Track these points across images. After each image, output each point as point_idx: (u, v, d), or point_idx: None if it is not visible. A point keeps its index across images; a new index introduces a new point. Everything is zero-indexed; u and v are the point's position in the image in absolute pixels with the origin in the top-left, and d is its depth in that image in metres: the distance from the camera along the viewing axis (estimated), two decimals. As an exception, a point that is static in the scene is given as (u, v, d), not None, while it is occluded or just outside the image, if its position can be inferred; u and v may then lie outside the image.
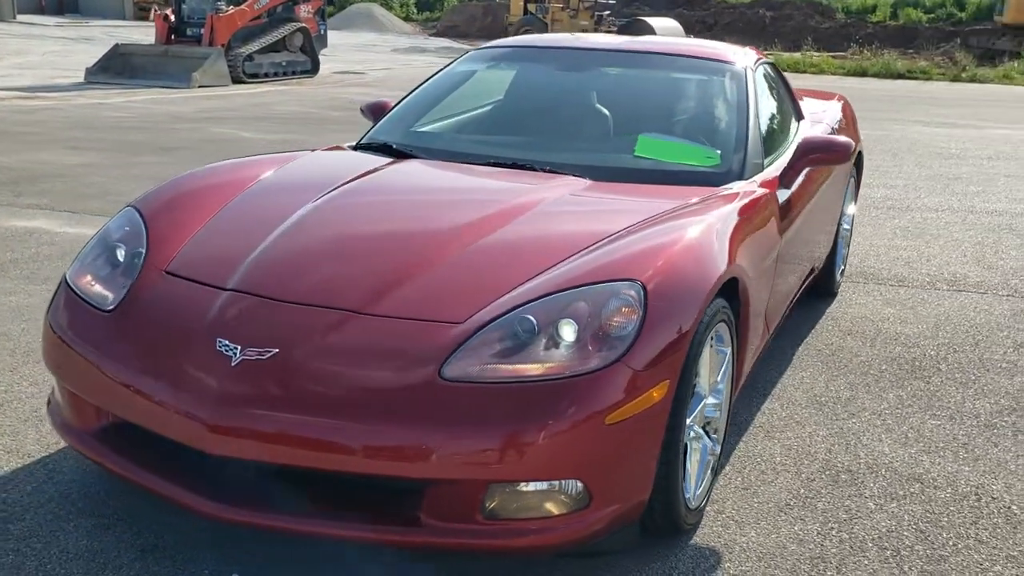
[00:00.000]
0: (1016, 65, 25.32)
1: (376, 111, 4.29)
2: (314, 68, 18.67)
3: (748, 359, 3.19)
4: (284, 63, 17.87)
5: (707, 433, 2.83)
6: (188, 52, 16.27)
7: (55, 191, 7.17)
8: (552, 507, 2.27)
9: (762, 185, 3.43)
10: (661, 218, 2.87)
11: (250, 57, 16.85)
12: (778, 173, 3.62)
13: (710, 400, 2.78)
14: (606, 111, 3.82)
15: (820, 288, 4.90)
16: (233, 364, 2.33)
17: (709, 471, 2.85)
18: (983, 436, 3.52)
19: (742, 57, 4.08)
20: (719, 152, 3.55)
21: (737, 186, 3.33)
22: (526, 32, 27.31)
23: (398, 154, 3.62)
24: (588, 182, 3.25)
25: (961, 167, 9.86)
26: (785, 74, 4.80)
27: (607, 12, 28.37)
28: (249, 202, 3.10)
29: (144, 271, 2.71)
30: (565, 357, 2.29)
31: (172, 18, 17.12)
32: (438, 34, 39.11)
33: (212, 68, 15.81)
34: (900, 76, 24.18)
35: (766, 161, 3.65)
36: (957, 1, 38.88)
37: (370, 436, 2.22)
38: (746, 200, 3.18)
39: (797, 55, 27.51)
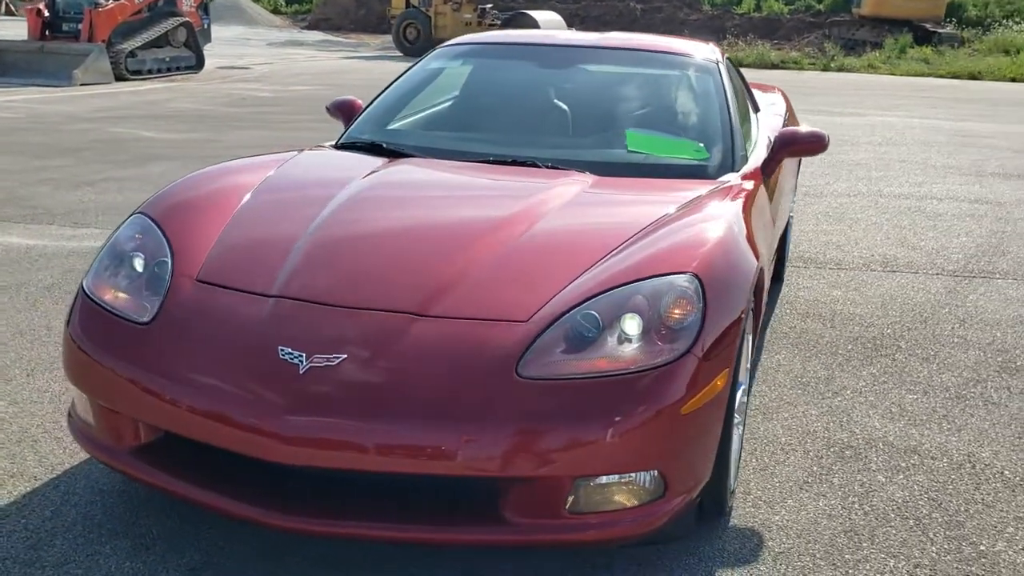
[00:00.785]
0: (878, 55, 26.68)
1: (345, 110, 4.25)
2: (199, 64, 18.10)
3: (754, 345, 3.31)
4: (168, 59, 17.27)
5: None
6: (66, 49, 15.53)
7: (-37, 198, 6.78)
8: (632, 498, 2.31)
9: (750, 176, 3.56)
10: (685, 212, 2.94)
11: (132, 53, 16.21)
12: (759, 164, 3.75)
13: (743, 386, 2.88)
14: (590, 107, 3.88)
15: (773, 274, 5.09)
16: (301, 372, 2.29)
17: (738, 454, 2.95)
18: (958, 407, 3.75)
19: (709, 52, 4.21)
20: (705, 145, 3.65)
21: (731, 178, 3.44)
22: (409, 26, 27.15)
23: (390, 153, 3.58)
24: (593, 177, 3.30)
25: (858, 153, 10.36)
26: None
27: (489, 5, 28.42)
28: (262, 205, 3.03)
29: (174, 280, 2.62)
30: (636, 351, 2.33)
31: (46, 13, 16.29)
32: (310, 27, 38.33)
33: (94, 65, 15.15)
34: (774, 66, 25.14)
35: (748, 153, 3.78)
36: (816, -7, 40.61)
37: (452, 438, 2.22)
38: (746, 192, 3.30)
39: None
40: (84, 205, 6.75)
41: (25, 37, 16.57)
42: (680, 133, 3.77)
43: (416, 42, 27.02)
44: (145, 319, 2.54)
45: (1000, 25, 30.11)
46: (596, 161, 3.47)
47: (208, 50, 18.97)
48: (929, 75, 24.03)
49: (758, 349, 4.27)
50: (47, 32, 16.25)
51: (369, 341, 2.34)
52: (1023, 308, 5.03)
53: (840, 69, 25.00)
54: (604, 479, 2.27)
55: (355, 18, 38.64)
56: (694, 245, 2.65)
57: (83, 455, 3.10)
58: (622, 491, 2.30)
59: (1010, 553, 2.75)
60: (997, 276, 5.66)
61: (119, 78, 15.67)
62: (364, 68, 21.66)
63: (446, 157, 3.52)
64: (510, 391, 2.25)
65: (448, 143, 3.69)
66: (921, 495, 3.05)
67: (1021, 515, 2.96)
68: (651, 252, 2.62)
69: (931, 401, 3.80)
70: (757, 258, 2.82)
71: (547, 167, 3.39)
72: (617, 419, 2.23)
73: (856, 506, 2.97)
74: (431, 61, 4.30)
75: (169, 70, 17.28)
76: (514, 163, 3.45)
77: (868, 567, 2.64)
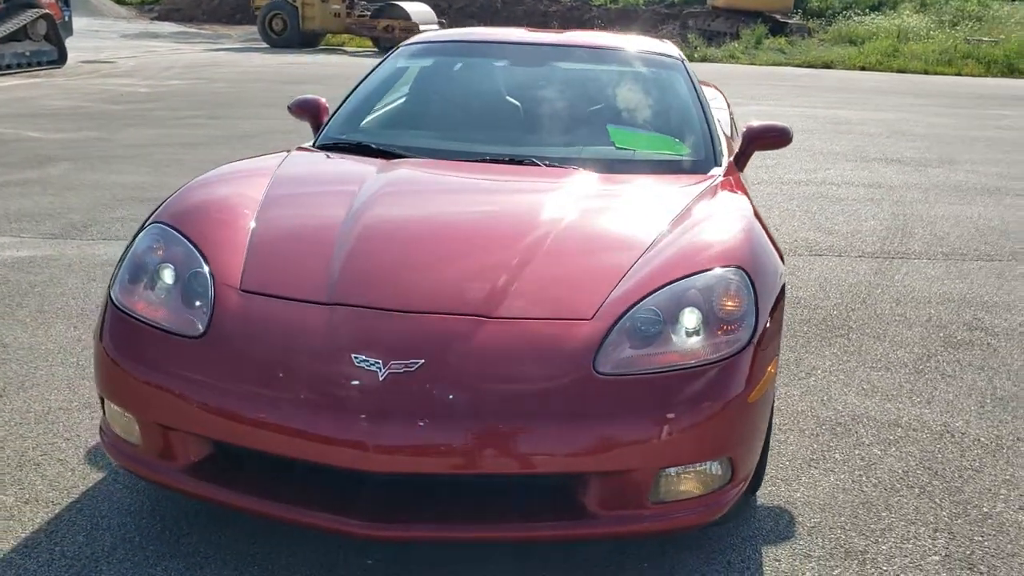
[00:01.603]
0: (737, 45, 27.76)
1: (310, 109, 4.18)
2: (61, 58, 17.21)
3: None
4: (28, 53, 16.35)
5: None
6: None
7: None
8: (705, 485, 2.41)
9: (731, 171, 3.71)
10: (700, 207, 3.06)
11: (-11, 47, 15.29)
12: (732, 159, 3.91)
13: (768, 370, 3.02)
14: (571, 106, 3.95)
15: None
16: (381, 379, 2.28)
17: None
18: (921, 381, 4.02)
19: (671, 49, 4.35)
20: (686, 141, 3.79)
21: (718, 172, 3.59)
22: (275, 17, 26.49)
23: (380, 154, 3.55)
24: (596, 174, 3.37)
25: (749, 142, 10.78)
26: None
27: (358, -5, 28.04)
28: (281, 211, 2.97)
29: (218, 291, 2.55)
30: (700, 344, 2.43)
31: None
32: (160, 18, 36.87)
33: (-51, 61, 14.21)
34: (640, 57, 25.74)
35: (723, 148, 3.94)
36: (670, -15, 41.84)
37: (536, 437, 2.26)
38: (741, 186, 3.45)
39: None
40: (-10, 212, 6.38)
41: None
42: (660, 129, 3.89)
43: (283, 33, 26.43)
44: (196, 333, 2.46)
45: (841, 16, 31.86)
46: (591, 158, 3.54)
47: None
48: (786, 64, 25.17)
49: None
50: None
51: (443, 345, 2.35)
52: (946, 285, 5.41)
53: (704, 60, 25.84)
54: (684, 468, 2.36)
55: (208, 8, 37.41)
56: (729, 239, 2.77)
57: (96, 476, 2.99)
58: (697, 479, 2.39)
59: (1010, 513, 2.99)
60: (912, 256, 6.05)
61: (-24, 74, 14.76)
62: (234, 61, 21.05)
63: (442, 157, 3.52)
64: (591, 388, 2.30)
65: (441, 143, 3.68)
66: (917, 465, 3.28)
67: (1007, 477, 3.22)
68: (692, 248, 2.72)
69: (895, 377, 4.06)
70: (776, 247, 2.96)
71: (546, 165, 3.44)
72: (695, 410, 2.33)
73: (864, 479, 3.16)
74: (398, 59, 4.27)
75: (30, 65, 16.37)
76: (511, 161, 3.49)
77: (895, 535, 2.83)
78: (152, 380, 2.45)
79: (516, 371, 2.34)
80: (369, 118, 3.95)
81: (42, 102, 12.36)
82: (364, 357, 2.32)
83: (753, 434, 2.48)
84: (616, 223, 2.99)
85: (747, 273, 2.59)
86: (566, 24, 33.31)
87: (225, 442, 2.39)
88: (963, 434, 3.53)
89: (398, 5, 25.62)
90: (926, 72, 24.55)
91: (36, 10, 16.45)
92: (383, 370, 2.29)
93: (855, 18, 31.39)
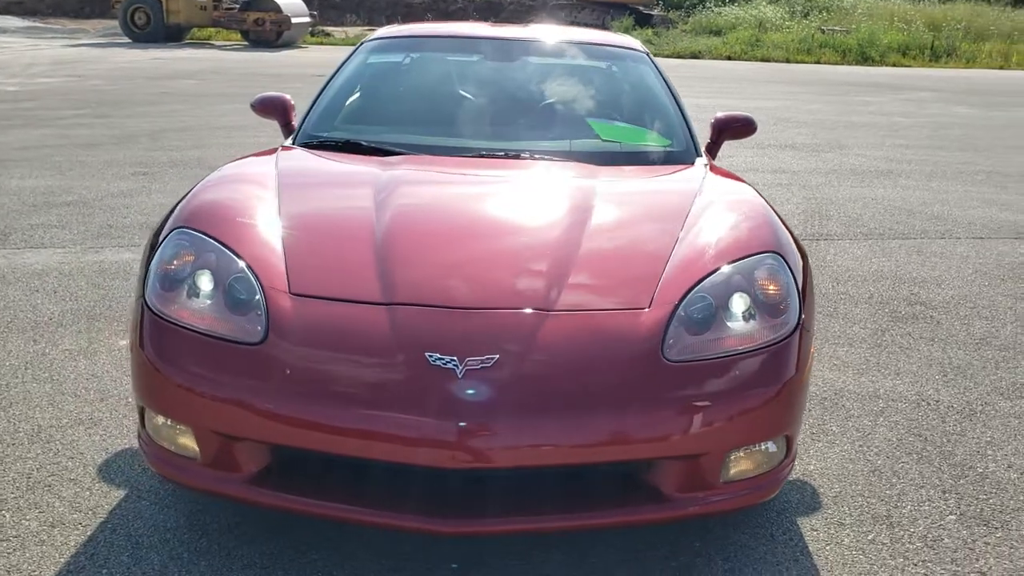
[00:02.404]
0: (609, 36, 28.31)
1: (278, 107, 4.10)
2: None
3: None
4: None
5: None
6: None
7: None
8: (767, 463, 2.51)
9: (710, 160, 3.84)
10: (713, 195, 3.16)
11: None
12: (705, 148, 4.04)
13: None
14: (552, 99, 4.00)
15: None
16: (459, 376, 2.28)
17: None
18: (884, 355, 4.26)
19: (636, 43, 4.46)
20: (666, 132, 3.89)
21: (702, 161, 3.71)
22: (137, 11, 25.42)
23: (373, 151, 3.51)
24: (595, 166, 3.43)
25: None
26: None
27: (223, -12, 27.21)
28: (303, 211, 2.91)
29: (268, 296, 2.49)
30: (755, 328, 2.52)
31: None
32: (1, 11, 34.80)
33: None
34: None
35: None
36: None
37: (615, 425, 2.31)
38: (729, 173, 3.58)
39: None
40: None
41: None
42: (638, 121, 3.99)
43: (146, 28, 25.45)
44: (255, 340, 2.40)
45: (699, 7, 33.01)
46: (584, 151, 3.61)
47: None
48: (657, 55, 25.83)
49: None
50: None
51: (515, 339, 2.37)
52: (874, 264, 5.73)
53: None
54: (750, 448, 2.46)
55: (52, 2, 35.60)
56: (756, 226, 2.87)
57: (117, 494, 2.87)
58: (760, 457, 2.49)
59: (1002, 472, 3.22)
60: (835, 238, 6.37)
61: None
62: (100, 57, 20.14)
63: (439, 153, 3.51)
64: (663, 375, 2.37)
65: (434, 139, 3.66)
66: (907, 433, 3.49)
67: (988, 439, 3.46)
68: (725, 236, 2.80)
69: (860, 352, 4.29)
70: (788, 229, 3.09)
71: (542, 159, 3.48)
72: (760, 391, 2.43)
73: (866, 449, 3.34)
74: (368, 55, 4.22)
75: None
76: (506, 156, 3.51)
77: (910, 499, 3.01)
78: (212, 390, 2.37)
79: (588, 362, 2.38)
80: (348, 114, 3.90)
81: (-95, 103, 11.56)
82: (439, 355, 2.31)
83: (803, 411, 2.60)
84: (639, 213, 3.07)
85: (782, 256, 2.71)
86: (437, 16, 33.31)
87: (299, 448, 2.34)
88: (937, 402, 3.77)
89: (269, -2, 25.02)
90: (788, 61, 25.70)
91: None
92: (460, 367, 2.29)
93: (714, 9, 32.55)
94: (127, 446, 3.17)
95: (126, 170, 7.80)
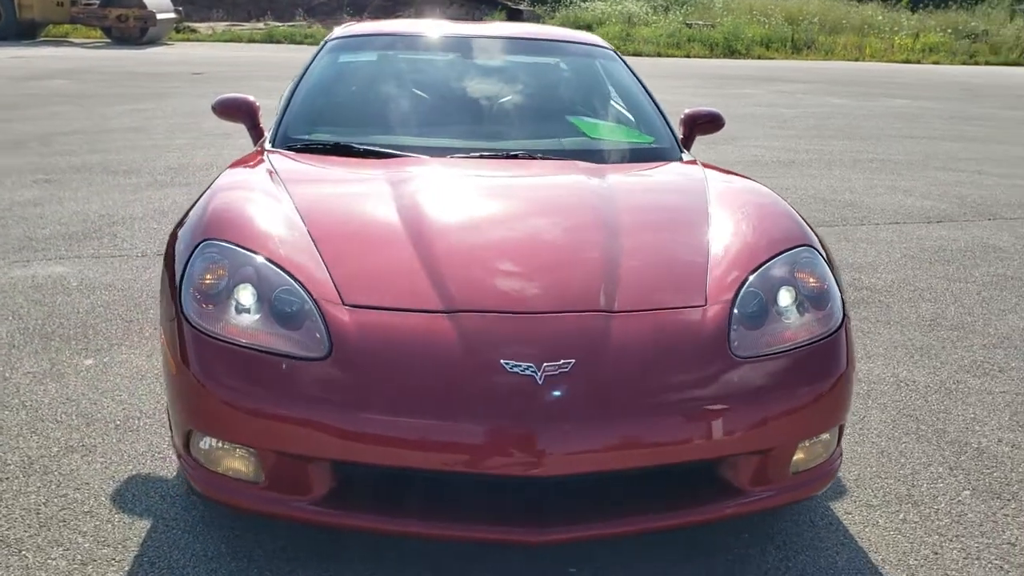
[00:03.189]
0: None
1: (243, 109, 3.97)
2: None
3: None
4: None
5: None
6: None
7: None
8: (825, 452, 2.57)
9: (691, 154, 3.90)
10: (723, 188, 3.21)
11: None
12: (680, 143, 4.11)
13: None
14: (532, 98, 3.98)
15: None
16: (539, 381, 2.24)
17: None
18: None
19: (601, 41, 4.48)
20: (647, 128, 3.93)
21: (688, 156, 3.77)
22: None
23: (363, 153, 3.42)
24: (593, 164, 3.43)
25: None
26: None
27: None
28: (328, 219, 2.80)
29: (325, 309, 2.39)
30: (806, 322, 2.57)
31: None
32: None
33: None
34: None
35: (669, 133, 4.12)
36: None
37: (693, 423, 2.32)
38: (718, 167, 3.65)
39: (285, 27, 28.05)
40: None
41: None
42: (618, 118, 4.01)
43: (-3, 24, 23.95)
44: (319, 355, 2.30)
45: (566, 2, 33.51)
46: (579, 149, 3.61)
47: None
48: (533, 50, 26.04)
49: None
50: None
51: (588, 342, 2.35)
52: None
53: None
54: (812, 439, 2.51)
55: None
56: (782, 221, 2.93)
57: (142, 524, 2.70)
58: (820, 447, 2.55)
59: (994, 446, 3.40)
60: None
61: None
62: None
63: (435, 155, 3.43)
64: (733, 371, 2.39)
65: (427, 140, 3.57)
66: (898, 415, 3.63)
67: (973, 415, 3.65)
68: (756, 230, 2.85)
69: (828, 337, 4.43)
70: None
71: (545, 158, 3.46)
72: (821, 383, 2.48)
73: (867, 431, 3.47)
74: (338, 54, 4.10)
75: None
76: (506, 156, 3.47)
77: (924, 477, 3.14)
78: (277, 409, 2.26)
79: (659, 361, 2.38)
80: (327, 116, 3.78)
81: None
82: (515, 362, 2.27)
83: (852, 399, 2.68)
84: (661, 211, 3.09)
85: (815, 249, 2.78)
86: (309, 12, 32.70)
87: (373, 464, 2.25)
88: (914, 382, 3.95)
89: (134, -8, 23.93)
90: (659, 55, 26.34)
91: None
92: (539, 373, 2.26)
93: (581, 4, 33.08)
94: (133, 472, 2.98)
95: (26, 178, 7.33)
